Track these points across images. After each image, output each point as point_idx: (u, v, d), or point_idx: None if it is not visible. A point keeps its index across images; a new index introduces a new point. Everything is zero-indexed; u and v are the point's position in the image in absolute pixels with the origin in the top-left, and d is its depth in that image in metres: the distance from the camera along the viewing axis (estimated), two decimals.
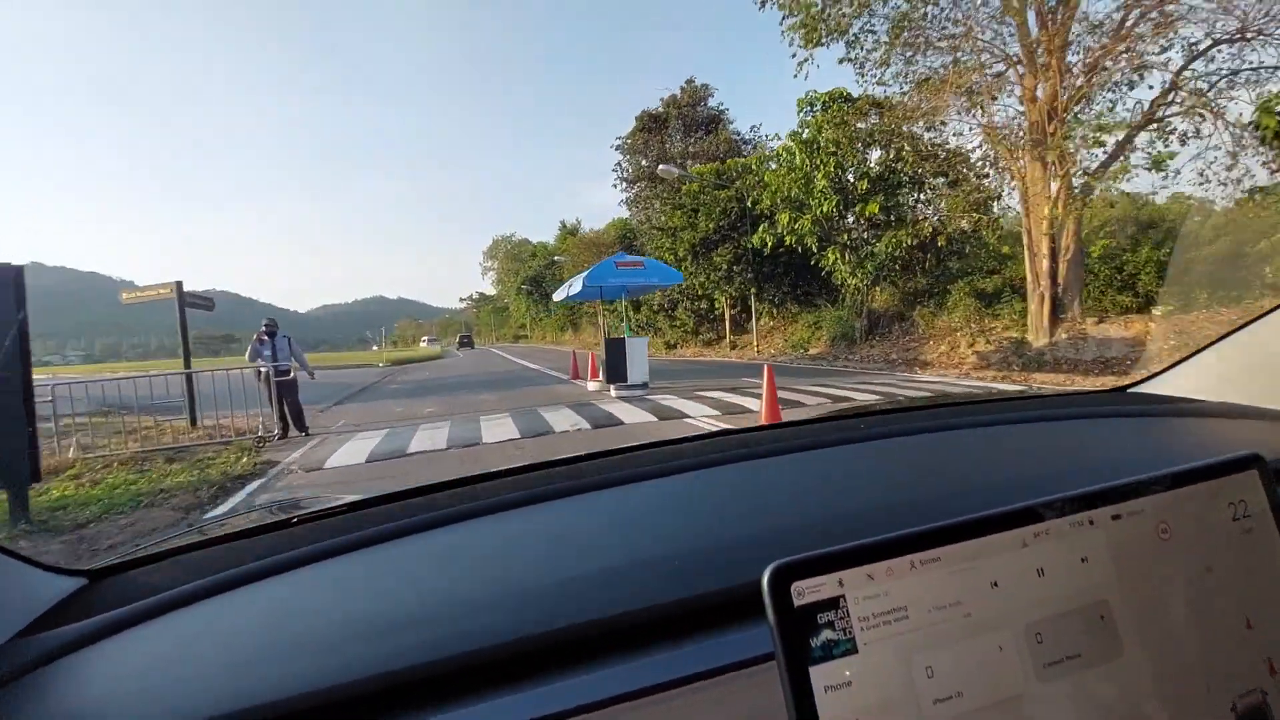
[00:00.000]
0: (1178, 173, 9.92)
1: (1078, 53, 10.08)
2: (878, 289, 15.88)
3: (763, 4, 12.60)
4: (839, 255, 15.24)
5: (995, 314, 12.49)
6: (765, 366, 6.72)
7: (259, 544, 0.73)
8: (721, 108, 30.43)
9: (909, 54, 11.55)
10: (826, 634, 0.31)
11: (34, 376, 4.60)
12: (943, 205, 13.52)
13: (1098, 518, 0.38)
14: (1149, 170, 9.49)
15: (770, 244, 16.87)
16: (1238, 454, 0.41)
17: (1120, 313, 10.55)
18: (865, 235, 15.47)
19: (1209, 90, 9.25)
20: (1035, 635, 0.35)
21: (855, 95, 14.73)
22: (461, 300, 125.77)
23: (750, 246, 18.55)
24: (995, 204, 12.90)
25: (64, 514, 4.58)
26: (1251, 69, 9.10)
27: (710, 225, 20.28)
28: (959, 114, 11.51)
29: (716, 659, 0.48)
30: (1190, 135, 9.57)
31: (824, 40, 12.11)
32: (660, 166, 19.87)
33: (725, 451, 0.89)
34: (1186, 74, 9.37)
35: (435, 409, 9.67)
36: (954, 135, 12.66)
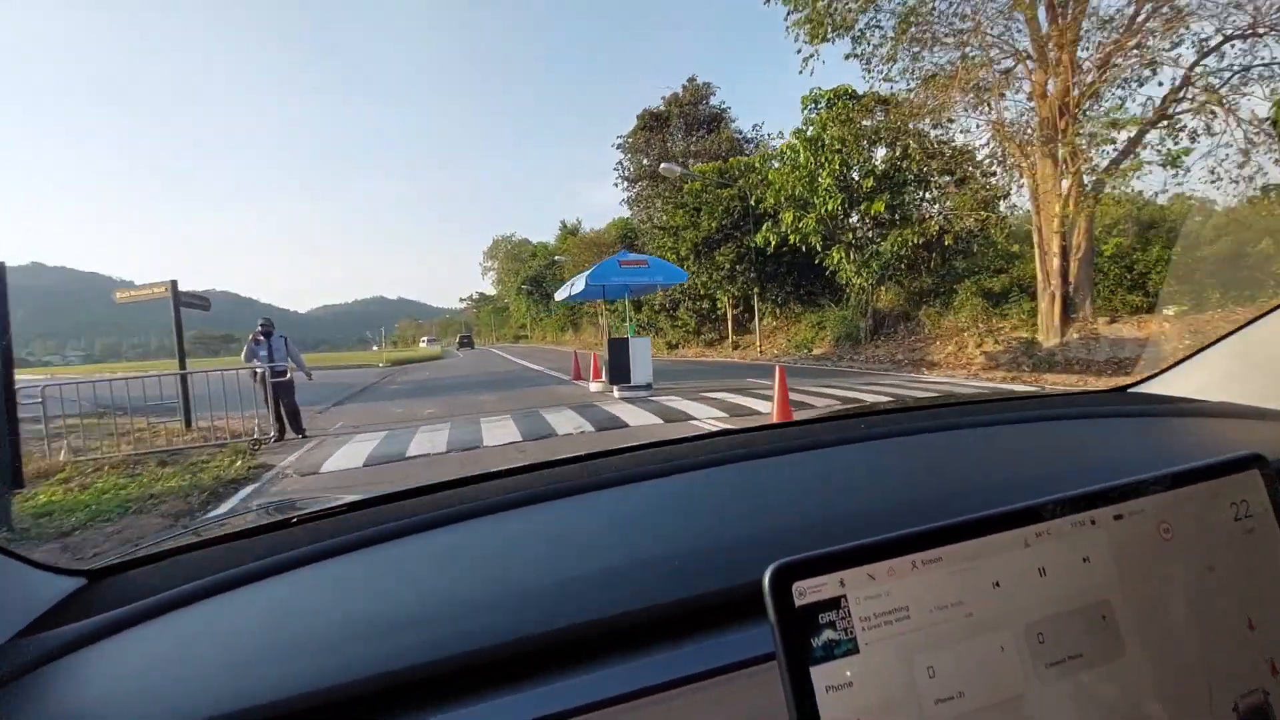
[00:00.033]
0: (1188, 170, 9.78)
1: (1088, 48, 9.94)
2: (883, 288, 15.71)
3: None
4: (844, 254, 15.06)
5: (1003, 314, 12.32)
6: (777, 367, 6.56)
7: (258, 544, 0.72)
8: (723, 106, 30.27)
9: (916, 50, 11.39)
10: (828, 634, 0.31)
11: (28, 377, 4.41)
12: (949, 203, 13.31)
13: (1099, 517, 0.38)
14: (1164, 167, 9.30)
15: (774, 243, 16.68)
16: (1239, 454, 0.41)
17: (1131, 312, 10.41)
18: (870, 234, 15.29)
19: (1221, 87, 9.10)
20: (1037, 635, 0.35)
21: (860, 92, 14.58)
22: (462, 300, 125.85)
23: (753, 246, 18.37)
24: (1003, 202, 12.74)
25: (49, 520, 4.41)
26: (1264, 65, 8.95)
27: (713, 224, 20.09)
28: (966, 110, 11.34)
29: (717, 659, 0.48)
30: (1201, 132, 9.43)
31: (829, 36, 11.93)
32: (662, 165, 19.70)
33: (726, 451, 0.88)
34: (1198, 70, 9.22)
35: (435, 410, 9.50)
36: (960, 133, 12.50)
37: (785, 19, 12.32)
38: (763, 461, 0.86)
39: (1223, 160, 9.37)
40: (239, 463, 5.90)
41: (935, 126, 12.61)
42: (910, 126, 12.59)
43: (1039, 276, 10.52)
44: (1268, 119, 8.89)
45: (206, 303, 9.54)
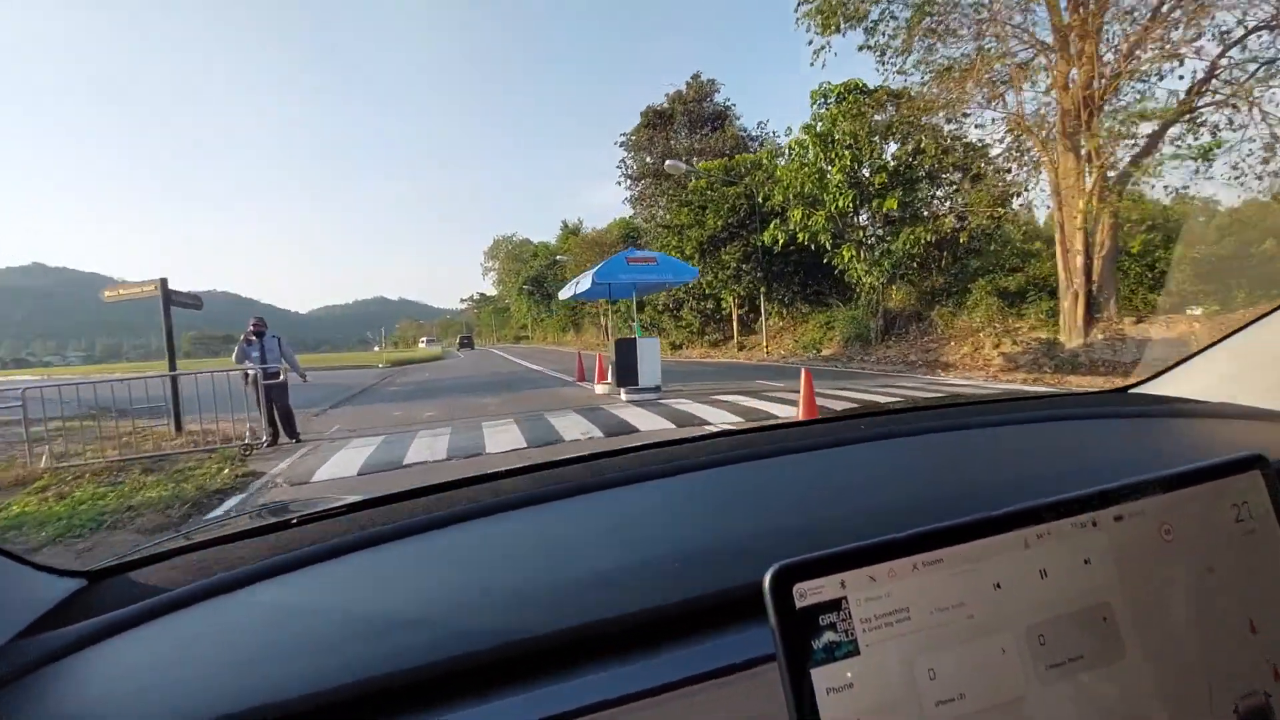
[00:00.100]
0: (1210, 165, 9.45)
1: (1110, 39, 9.61)
2: (894, 288, 15.32)
3: None
4: (854, 253, 14.71)
5: (1020, 313, 11.96)
6: (803, 370, 6.20)
7: (259, 545, 0.71)
8: (728, 103, 29.87)
9: (930, 42, 11.05)
10: (828, 635, 0.31)
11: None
12: (965, 200, 12.94)
13: (1100, 519, 0.37)
14: (1195, 160, 8.94)
15: (781, 241, 16.30)
16: (1240, 455, 0.41)
17: (1152, 312, 10.09)
18: (881, 232, 14.93)
19: (1246, 80, 8.77)
20: (1038, 637, 0.35)
21: (871, 87, 14.23)
22: (462, 301, 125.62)
23: (760, 244, 18.00)
24: (1021, 198, 12.38)
25: (17, 534, 4.09)
26: None
27: (718, 222, 19.69)
28: (983, 104, 10.99)
29: (718, 660, 0.48)
30: (1223, 126, 9.09)
31: (841, 27, 11.60)
32: (667, 162, 19.31)
33: (727, 452, 0.88)
34: (1222, 62, 8.90)
35: (435, 413, 9.12)
36: (975, 127, 12.15)
37: (795, 10, 11.99)
38: (763, 462, 0.85)
39: (1246, 156, 9.08)
40: (226, 470, 5.55)
41: (949, 121, 12.27)
42: (924, 121, 12.24)
43: (1060, 274, 10.14)
44: None
45: (199, 302, 9.19)
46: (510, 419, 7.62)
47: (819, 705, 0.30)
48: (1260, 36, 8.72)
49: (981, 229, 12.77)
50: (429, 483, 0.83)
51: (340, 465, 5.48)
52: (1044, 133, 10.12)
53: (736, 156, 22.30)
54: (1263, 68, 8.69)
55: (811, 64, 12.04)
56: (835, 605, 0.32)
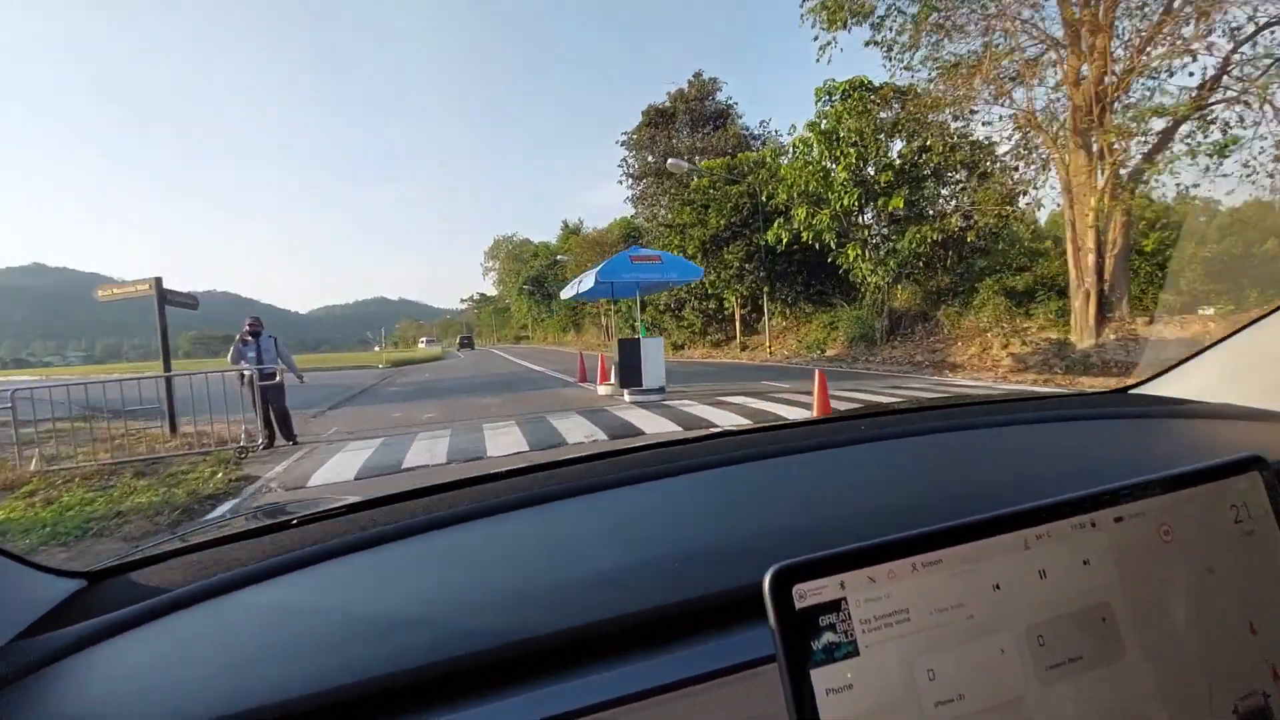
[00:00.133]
0: (1221, 163, 9.30)
1: (1121, 35, 9.45)
2: (899, 287, 15.17)
3: None
4: (859, 252, 14.55)
5: (1028, 313, 11.80)
6: (816, 372, 6.07)
7: (259, 545, 0.71)
8: (730, 102, 29.71)
9: (937, 38, 10.89)
10: (828, 636, 0.31)
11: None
12: (972, 199, 12.76)
13: (1099, 520, 0.38)
14: (1211, 156, 8.77)
15: (785, 240, 16.16)
16: (1239, 456, 0.41)
17: (1164, 312, 9.93)
18: (886, 231, 14.76)
19: (1258, 77, 8.61)
20: (1037, 637, 0.35)
21: (877, 84, 14.07)
22: (463, 301, 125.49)
23: (763, 243, 17.85)
24: (1030, 196, 12.22)
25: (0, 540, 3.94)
26: None
27: (721, 221, 19.54)
28: (992, 100, 10.83)
29: (718, 661, 0.48)
30: (1233, 124, 8.95)
31: (847, 23, 11.45)
32: (670, 160, 19.17)
33: (728, 452, 0.88)
34: (1234, 58, 8.75)
35: (435, 415, 8.99)
36: (983, 124, 11.98)
37: (801, 5, 11.85)
38: (764, 462, 0.85)
39: (1258, 154, 8.93)
40: (219, 475, 5.41)
41: (956, 118, 12.11)
42: (931, 119, 12.07)
43: (1071, 273, 9.99)
44: None
45: (194, 301, 9.04)
46: (511, 421, 7.48)
47: (819, 706, 0.30)
48: (1273, 33, 8.58)
49: (989, 228, 12.59)
50: (429, 483, 0.83)
51: (337, 469, 5.34)
52: (1055, 129, 9.94)
53: (739, 155, 22.14)
54: (1275, 64, 8.53)
55: (817, 60, 11.93)
56: (835, 606, 0.32)
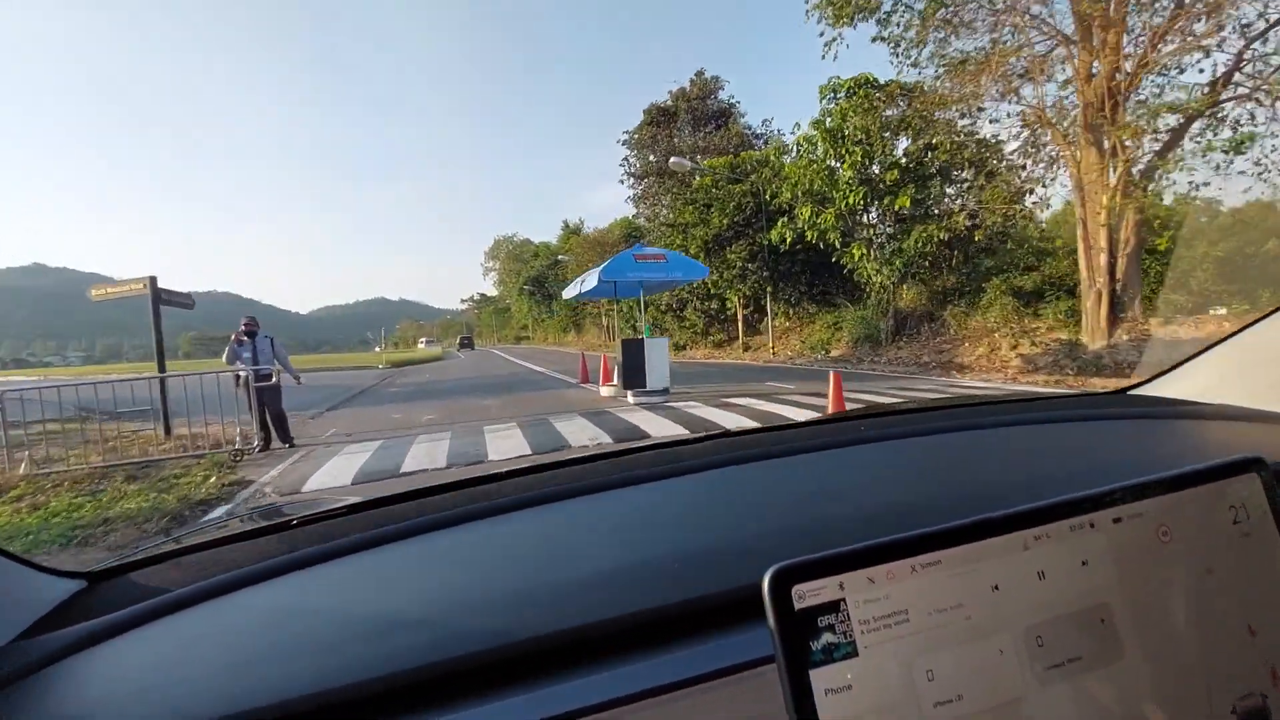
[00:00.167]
0: (1231, 161, 9.15)
1: (1132, 30, 9.29)
2: (904, 287, 15.00)
3: None
4: (864, 251, 14.38)
5: (1037, 313, 11.65)
6: (831, 374, 5.91)
7: (259, 546, 0.72)
8: (732, 101, 29.58)
9: (943, 35, 10.72)
10: (827, 637, 0.32)
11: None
12: (981, 197, 12.58)
13: (1098, 520, 0.38)
14: (1227, 153, 8.61)
15: (789, 239, 16.00)
16: (1238, 457, 0.41)
17: (1174, 313, 9.77)
18: (892, 230, 14.59)
19: (1270, 74, 8.46)
20: (1036, 638, 0.35)
21: (882, 81, 13.91)
22: (463, 301, 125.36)
23: (766, 243, 17.69)
24: (1039, 194, 12.04)
25: None
26: None
27: (724, 221, 19.41)
28: (1000, 97, 10.66)
29: (717, 661, 0.48)
30: (1244, 121, 8.79)
31: (854, 19, 11.29)
32: (672, 159, 19.01)
33: (727, 453, 0.88)
34: (1246, 55, 8.59)
35: (435, 416, 8.86)
36: (990, 122, 11.82)
37: (806, 1, 11.70)
38: (764, 464, 0.85)
39: (1270, 151, 8.78)
40: (212, 479, 5.28)
41: (963, 116, 11.94)
42: (938, 116, 11.90)
43: (1083, 273, 9.84)
44: None
45: (190, 301, 8.90)
46: (513, 423, 7.33)
47: (818, 706, 0.31)
48: None
49: (996, 227, 12.41)
50: (429, 484, 0.84)
51: (333, 473, 5.21)
52: (1065, 125, 9.78)
53: (742, 154, 21.98)
54: None
55: (823, 56, 11.79)
56: (834, 607, 0.32)
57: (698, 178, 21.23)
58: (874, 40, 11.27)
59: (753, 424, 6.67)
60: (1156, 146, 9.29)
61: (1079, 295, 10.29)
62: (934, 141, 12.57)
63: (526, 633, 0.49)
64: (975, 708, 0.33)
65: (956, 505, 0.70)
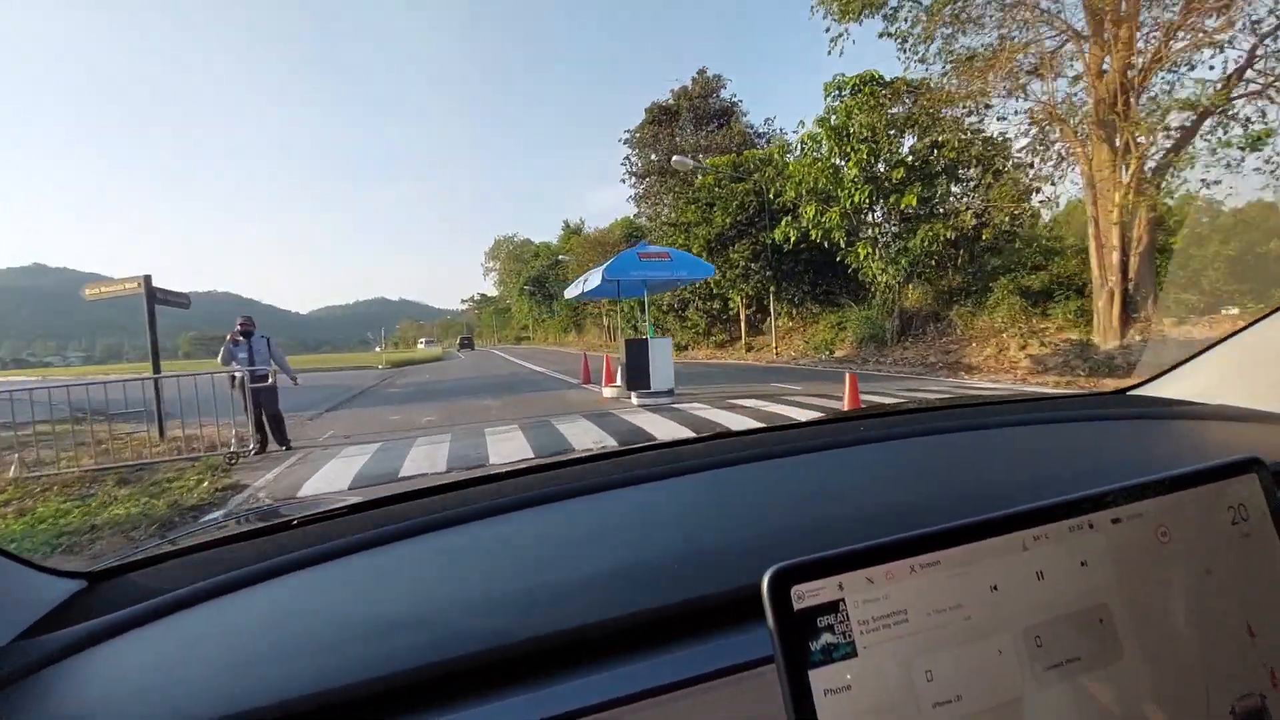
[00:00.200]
0: (1243, 160, 8.99)
1: (1143, 24, 9.13)
2: (910, 286, 14.84)
3: None
4: (869, 250, 14.21)
5: (1045, 313, 11.50)
6: (847, 375, 5.76)
7: (260, 546, 0.72)
8: (735, 99, 29.44)
9: (950, 31, 10.57)
10: (826, 637, 0.32)
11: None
12: (990, 195, 12.40)
13: (1097, 521, 0.38)
14: (1241, 150, 8.46)
15: (793, 238, 15.86)
16: (1237, 457, 0.41)
17: (1186, 312, 9.61)
18: (897, 229, 14.42)
19: None
20: (1035, 638, 0.35)
21: (888, 78, 13.75)
22: (463, 302, 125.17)
23: (769, 242, 17.54)
24: (1042, 193, 11.89)
25: None
26: None
27: (727, 220, 19.30)
28: (1008, 94, 10.51)
29: (717, 662, 0.48)
30: (1255, 119, 8.64)
31: (860, 14, 11.13)
32: (675, 158, 18.89)
33: (726, 454, 0.89)
34: (1259, 51, 8.43)
35: (434, 418, 8.74)
36: (998, 119, 11.66)
37: None
38: (764, 464, 0.86)
39: None
40: (205, 483, 5.14)
41: (971, 113, 11.77)
42: (945, 114, 11.74)
43: (1094, 272, 9.70)
44: None
45: (186, 300, 8.77)
46: (515, 426, 7.20)
47: (817, 707, 0.31)
48: None
49: (1004, 226, 12.24)
50: (429, 484, 0.84)
51: (330, 477, 5.07)
52: (1076, 121, 9.61)
53: (745, 152, 21.81)
54: None
55: (829, 52, 11.67)
56: (833, 607, 0.32)
57: (700, 176, 21.09)
58: (881, 36, 11.17)
59: (760, 426, 6.52)
60: (1168, 144, 9.14)
61: (1090, 295, 10.14)
62: (940, 139, 12.40)
63: (527, 633, 0.50)
64: (974, 708, 0.33)
65: (956, 505, 0.70)
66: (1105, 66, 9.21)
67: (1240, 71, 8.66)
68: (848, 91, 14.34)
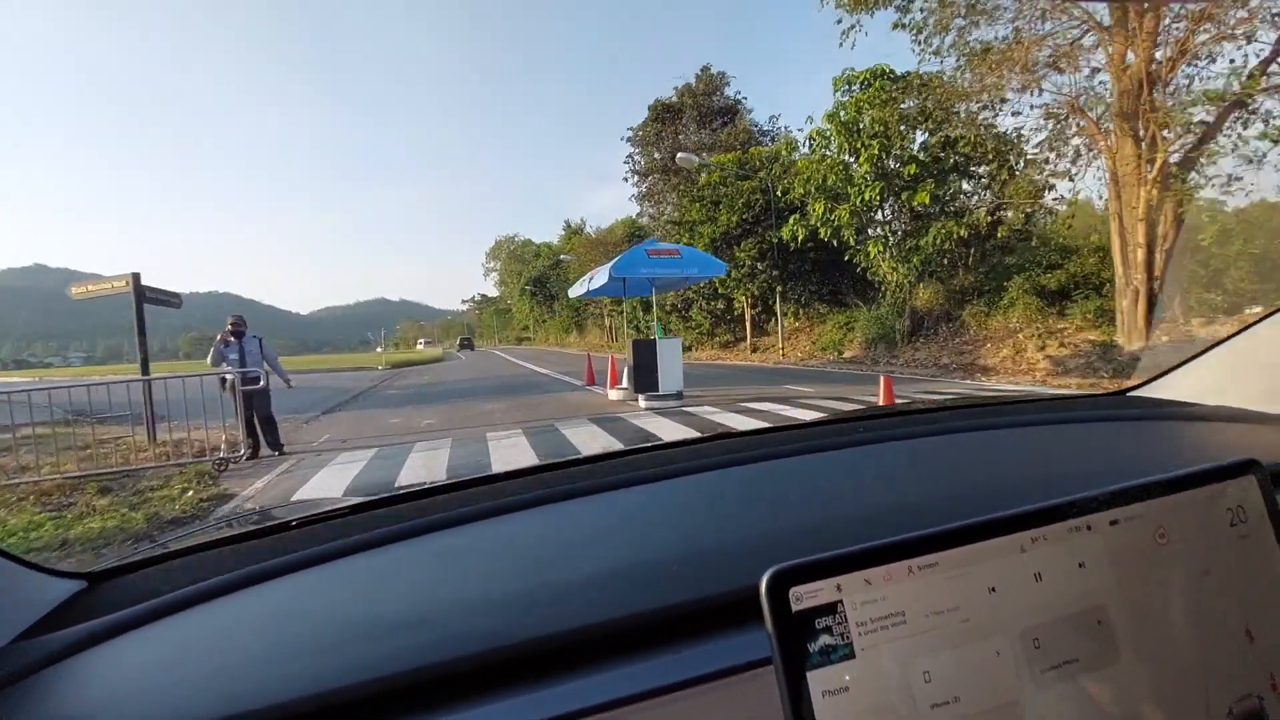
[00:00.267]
0: (1265, 155, 8.68)
1: (1166, 17, 8.83)
2: (921, 286, 14.52)
3: None
4: (880, 249, 13.90)
5: (1062, 313, 11.21)
6: (882, 378, 5.47)
7: (259, 546, 0.73)
8: (739, 96, 29.15)
9: (963, 23, 10.26)
10: (824, 639, 0.32)
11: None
12: (1000, 192, 12.09)
13: (1095, 523, 0.38)
14: (1276, 141, 8.15)
15: (801, 236, 15.57)
16: (1235, 459, 0.41)
17: (1212, 312, 9.29)
18: (909, 226, 14.10)
19: None
20: (1033, 640, 0.36)
21: (898, 73, 13.45)
22: (464, 302, 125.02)
23: (776, 241, 17.24)
24: (1055, 190, 11.58)
25: None
26: None
27: (732, 218, 19.07)
28: (1023, 88, 10.19)
29: (715, 663, 0.48)
30: (1275, 115, 8.34)
31: (872, 6, 10.82)
32: (679, 155, 18.62)
33: (727, 454, 0.90)
34: None
35: (434, 421, 8.47)
36: (1012, 114, 11.35)
37: None
38: (763, 465, 0.86)
39: None
40: (190, 492, 4.85)
41: (985, 108, 11.45)
42: (959, 108, 11.41)
43: (1118, 271, 9.42)
44: None
45: (177, 299, 8.53)
46: (518, 430, 6.93)
47: (815, 708, 0.31)
48: None
49: (1023, 223, 11.92)
50: (429, 485, 0.85)
51: (323, 486, 4.83)
52: (1099, 113, 9.30)
53: (751, 149, 21.50)
54: None
55: (840, 44, 11.46)
56: (831, 609, 0.32)
57: (704, 174, 20.79)
58: (894, 27, 10.92)
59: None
60: (1191, 139, 8.84)
61: (1113, 294, 9.84)
62: (954, 135, 12.08)
63: (527, 633, 0.50)
64: (972, 709, 0.34)
65: (955, 507, 0.70)
66: (1129, 59, 8.90)
67: (1264, 65, 8.37)
68: (858, 86, 14.07)
